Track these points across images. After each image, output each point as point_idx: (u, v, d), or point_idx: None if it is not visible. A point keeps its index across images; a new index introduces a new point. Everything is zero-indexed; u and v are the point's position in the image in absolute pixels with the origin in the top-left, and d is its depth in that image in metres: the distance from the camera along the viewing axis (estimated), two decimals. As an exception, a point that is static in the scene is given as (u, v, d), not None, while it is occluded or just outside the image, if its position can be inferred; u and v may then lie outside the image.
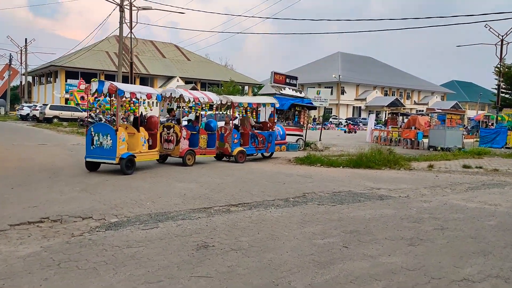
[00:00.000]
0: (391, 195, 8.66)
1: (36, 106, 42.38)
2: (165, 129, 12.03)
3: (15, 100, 67.85)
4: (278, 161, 14.49)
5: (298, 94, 19.54)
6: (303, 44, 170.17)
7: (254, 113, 14.65)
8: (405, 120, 31.77)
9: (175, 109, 13.66)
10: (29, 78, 69.16)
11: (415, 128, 25.90)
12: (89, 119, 33.26)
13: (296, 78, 20.36)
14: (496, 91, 37.33)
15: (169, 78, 58.52)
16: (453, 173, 12.84)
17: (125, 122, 12.42)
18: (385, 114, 54.55)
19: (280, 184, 9.33)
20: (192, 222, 5.75)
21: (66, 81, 53.17)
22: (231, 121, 13.86)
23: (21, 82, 61.21)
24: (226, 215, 6.25)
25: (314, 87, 72.93)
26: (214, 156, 13.37)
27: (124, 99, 10.48)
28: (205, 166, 12.28)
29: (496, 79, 37.55)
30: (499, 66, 35.43)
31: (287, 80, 19.80)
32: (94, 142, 9.97)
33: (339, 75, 67.93)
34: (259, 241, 4.93)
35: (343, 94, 72.75)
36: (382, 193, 8.79)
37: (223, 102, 13.36)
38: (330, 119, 60.92)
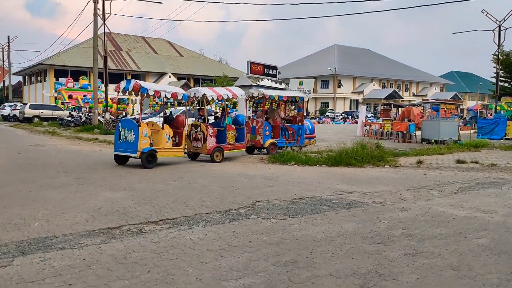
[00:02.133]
0: (364, 201, 7.11)
1: (16, 105, 40.88)
2: (193, 128, 12.30)
3: (6, 100, 66.35)
4: (250, 160, 12.95)
5: (277, 85, 17.93)
6: (300, 38, 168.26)
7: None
8: (400, 112, 30.14)
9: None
10: (20, 78, 67.64)
11: (409, 120, 24.32)
12: (68, 118, 32.15)
13: (276, 68, 18.74)
14: (494, 80, 35.72)
15: (161, 75, 57.18)
16: (445, 169, 11.29)
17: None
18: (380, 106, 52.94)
19: (232, 190, 7.78)
20: (70, 253, 4.20)
21: (57, 79, 51.64)
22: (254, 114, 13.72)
23: (3, 81, 59.67)
24: (129, 240, 4.71)
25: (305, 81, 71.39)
26: (246, 150, 13.48)
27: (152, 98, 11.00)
28: (166, 167, 10.73)
29: (494, 67, 35.91)
30: (497, 53, 33.78)
31: (266, 71, 18.22)
32: (121, 137, 10.67)
33: (335, 68, 66.23)
34: None
35: (339, 87, 71.10)
36: (352, 199, 7.24)
37: (254, 95, 13.44)
38: (327, 113, 59.34)
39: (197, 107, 14.27)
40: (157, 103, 14.69)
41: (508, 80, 38.60)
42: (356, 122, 26.96)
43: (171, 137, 11.20)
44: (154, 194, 7.21)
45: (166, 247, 4.40)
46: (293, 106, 16.03)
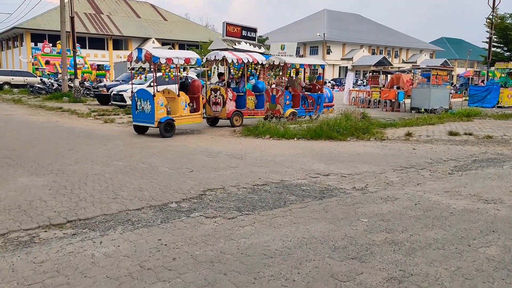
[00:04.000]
0: (341, 186, 5.83)
1: (-13, 72, 38.50)
2: (212, 92, 12.13)
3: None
4: (221, 132, 11.57)
5: (256, 49, 16.30)
6: (290, 4, 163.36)
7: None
8: (389, 79, 28.75)
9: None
10: (-4, 42, 64.37)
11: (398, 88, 22.96)
12: (39, 85, 30.16)
13: (255, 31, 17.04)
14: (486, 46, 34.31)
15: (145, 40, 54.73)
16: (436, 143, 10.07)
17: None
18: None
19: (184, 173, 6.43)
20: None
21: (36, 44, 48.86)
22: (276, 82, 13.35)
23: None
24: (3, 257, 3.36)
25: (299, 47, 69.37)
26: (264, 118, 12.91)
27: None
28: (126, 141, 9.32)
29: (487, 31, 34.38)
30: (491, 17, 32.18)
31: (244, 33, 16.54)
32: (138, 107, 10.58)
33: (324, 34, 64.02)
34: None
35: (329, 53, 69.10)
36: (329, 184, 5.96)
37: (275, 63, 13.02)
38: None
39: (218, 72, 13.90)
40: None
41: (501, 45, 37.17)
42: (343, 89, 25.61)
43: (188, 104, 11.05)
44: (82, 180, 5.82)
45: (47, 272, 3.07)
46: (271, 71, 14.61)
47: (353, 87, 27.17)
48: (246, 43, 16.31)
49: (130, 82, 13.04)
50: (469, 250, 3.61)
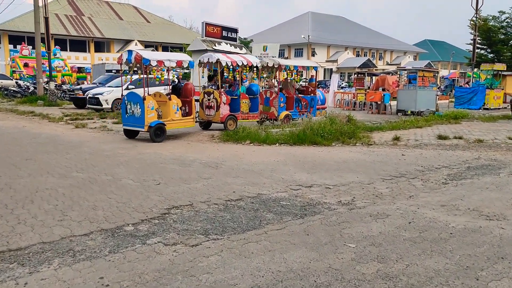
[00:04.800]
0: (326, 201, 5.18)
1: (-38, 75, 37.08)
2: (205, 95, 11.73)
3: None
4: (199, 137, 10.86)
5: (237, 50, 15.63)
6: (275, 6, 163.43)
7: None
8: (374, 81, 28.36)
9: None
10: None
11: (383, 90, 22.54)
12: (14, 88, 28.99)
13: (236, 31, 16.36)
14: (470, 47, 34.26)
15: (127, 42, 53.62)
16: (426, 148, 9.53)
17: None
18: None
19: (149, 186, 5.72)
20: None
21: (15, 47, 47.33)
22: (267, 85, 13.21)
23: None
24: None
25: (283, 49, 68.94)
26: (257, 121, 12.75)
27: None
28: (93, 148, 8.55)
29: (471, 33, 34.32)
30: (474, 18, 32.11)
31: (224, 33, 15.84)
32: (128, 111, 10.22)
33: (309, 36, 63.76)
34: None
35: (313, 55, 68.78)
36: (312, 197, 5.31)
37: (269, 65, 12.81)
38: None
39: (210, 74, 13.39)
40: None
41: (485, 47, 37.20)
42: (329, 91, 25.10)
43: (180, 108, 10.71)
44: (29, 197, 5.06)
45: None
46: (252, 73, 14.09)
47: (338, 89, 26.71)
48: (226, 43, 15.62)
49: (121, 86, 12.55)
50: (478, 286, 2.99)
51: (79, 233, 3.91)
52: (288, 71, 13.27)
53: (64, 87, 28.69)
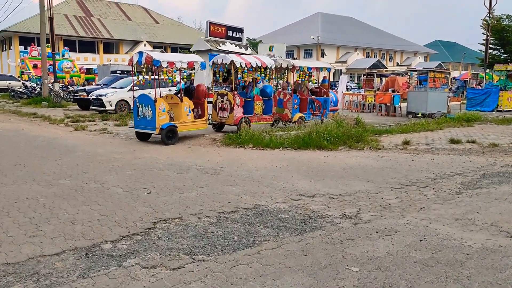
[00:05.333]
0: (329, 213, 4.74)
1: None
2: (219, 97, 11.53)
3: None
4: (200, 141, 10.47)
5: (242, 50, 15.22)
6: (285, 7, 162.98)
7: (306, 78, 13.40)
8: (383, 82, 27.77)
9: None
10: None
11: (393, 91, 21.99)
12: (21, 90, 28.94)
13: (241, 31, 15.94)
14: (482, 48, 33.50)
15: (136, 43, 53.71)
16: (437, 152, 9.04)
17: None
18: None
19: (138, 196, 5.32)
20: None
21: (26, 48, 47.67)
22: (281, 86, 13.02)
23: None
24: None
25: (292, 50, 68.26)
26: (271, 124, 12.57)
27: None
28: (88, 151, 8.19)
29: (483, 33, 33.54)
30: (487, 18, 31.33)
31: (229, 33, 15.44)
32: (139, 113, 10.13)
33: (318, 37, 63.20)
34: None
35: (323, 56, 68.23)
36: (313, 209, 4.88)
37: (283, 66, 12.64)
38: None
39: (224, 76, 13.17)
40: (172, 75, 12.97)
41: (498, 47, 36.33)
42: (337, 93, 24.56)
43: (192, 109, 10.54)
44: (6, 208, 4.69)
45: None
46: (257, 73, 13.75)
47: (346, 90, 26.19)
48: (231, 43, 15.23)
49: (133, 88, 12.47)
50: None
51: (49, 252, 3.52)
52: (302, 73, 13.13)
53: (70, 88, 28.59)
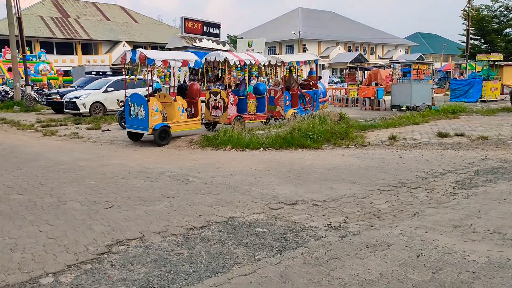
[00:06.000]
0: (312, 224, 4.19)
1: None
2: (211, 95, 11.24)
3: None
4: (176, 143, 9.84)
5: (220, 46, 14.59)
6: (266, 3, 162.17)
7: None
8: (366, 76, 27.40)
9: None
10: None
11: (376, 84, 21.60)
12: (-5, 94, 27.72)
13: (218, 26, 15.30)
14: (462, 38, 33.47)
15: (115, 43, 52.56)
16: (426, 148, 8.60)
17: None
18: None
19: (97, 210, 4.69)
20: None
21: (0, 50, 46.08)
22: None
23: None
24: None
25: (274, 46, 67.76)
26: (263, 122, 12.32)
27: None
28: (52, 161, 7.48)
29: (464, 23, 33.50)
30: (467, 8, 31.25)
31: (205, 29, 14.80)
32: (131, 113, 9.90)
33: (299, 32, 62.80)
34: None
35: (305, 51, 67.84)
36: (295, 220, 4.33)
37: (271, 63, 12.34)
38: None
39: (216, 73, 12.70)
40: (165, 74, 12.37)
41: (478, 37, 36.38)
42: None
43: (186, 109, 10.31)
44: None
45: None
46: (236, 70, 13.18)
47: (329, 84, 25.75)
48: (208, 40, 14.58)
49: (125, 87, 11.78)
50: None
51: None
52: (292, 68, 12.85)
53: (45, 91, 27.53)
